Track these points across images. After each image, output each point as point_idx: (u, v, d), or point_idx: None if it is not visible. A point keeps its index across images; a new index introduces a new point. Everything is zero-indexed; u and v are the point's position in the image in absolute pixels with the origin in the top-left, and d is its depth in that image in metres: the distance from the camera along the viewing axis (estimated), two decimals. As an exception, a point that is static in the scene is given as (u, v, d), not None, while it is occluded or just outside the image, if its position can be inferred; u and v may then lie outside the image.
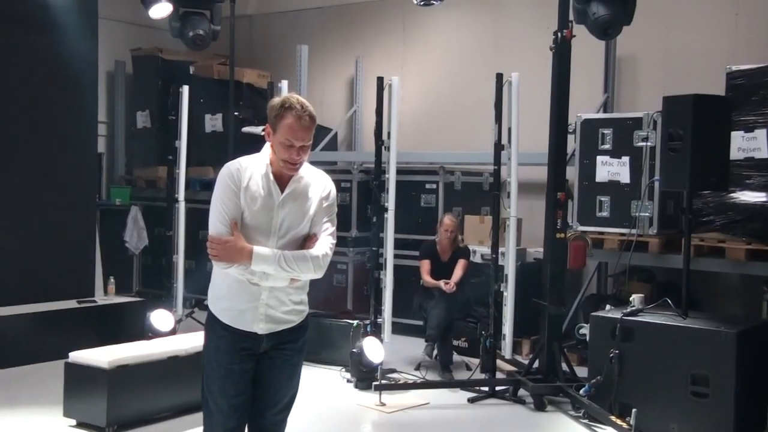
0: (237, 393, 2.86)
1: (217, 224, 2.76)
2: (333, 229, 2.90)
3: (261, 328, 2.84)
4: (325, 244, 2.85)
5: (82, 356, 4.53)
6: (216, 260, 2.74)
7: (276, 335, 2.87)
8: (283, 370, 2.92)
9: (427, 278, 5.97)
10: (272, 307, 2.83)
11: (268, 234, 2.81)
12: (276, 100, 2.82)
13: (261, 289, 2.80)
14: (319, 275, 2.84)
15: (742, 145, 5.41)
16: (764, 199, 5.34)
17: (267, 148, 2.86)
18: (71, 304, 6.40)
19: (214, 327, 2.89)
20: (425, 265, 6.03)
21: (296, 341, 2.94)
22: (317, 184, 2.91)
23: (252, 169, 2.83)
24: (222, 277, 2.85)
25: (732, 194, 5.40)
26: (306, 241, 2.85)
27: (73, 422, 4.55)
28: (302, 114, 2.76)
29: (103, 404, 4.36)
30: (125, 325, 6.35)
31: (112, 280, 6.85)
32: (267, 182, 2.82)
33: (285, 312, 2.87)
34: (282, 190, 2.83)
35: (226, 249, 2.71)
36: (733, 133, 5.11)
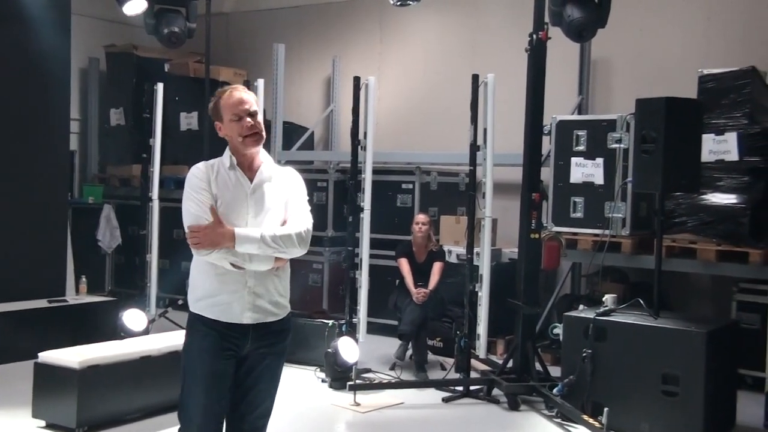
0: (219, 397, 2.83)
1: (193, 214, 2.77)
2: (308, 208, 2.93)
3: (249, 317, 2.82)
4: (305, 220, 2.87)
5: (52, 356, 4.47)
6: (198, 248, 2.73)
7: (261, 332, 2.85)
8: (263, 374, 2.90)
9: (408, 278, 5.98)
10: (259, 296, 2.82)
11: (242, 217, 2.82)
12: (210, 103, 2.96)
13: (246, 276, 2.79)
14: (303, 250, 2.84)
15: (713, 147, 5.49)
16: (734, 201, 5.42)
17: (227, 149, 2.92)
18: (42, 303, 6.30)
19: (197, 327, 2.85)
20: (404, 264, 6.05)
21: (277, 344, 2.92)
22: (283, 173, 2.96)
23: (218, 165, 2.89)
24: (204, 271, 2.84)
25: (703, 196, 5.48)
26: (284, 225, 2.87)
27: (43, 423, 4.48)
28: (235, 88, 2.90)
29: (74, 405, 4.30)
30: (97, 325, 6.27)
31: (84, 279, 6.76)
32: (234, 173, 2.86)
33: (271, 302, 2.86)
34: (251, 180, 2.87)
35: (207, 233, 2.71)
36: (705, 136, 5.18)
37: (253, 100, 2.89)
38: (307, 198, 2.97)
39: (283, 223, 2.86)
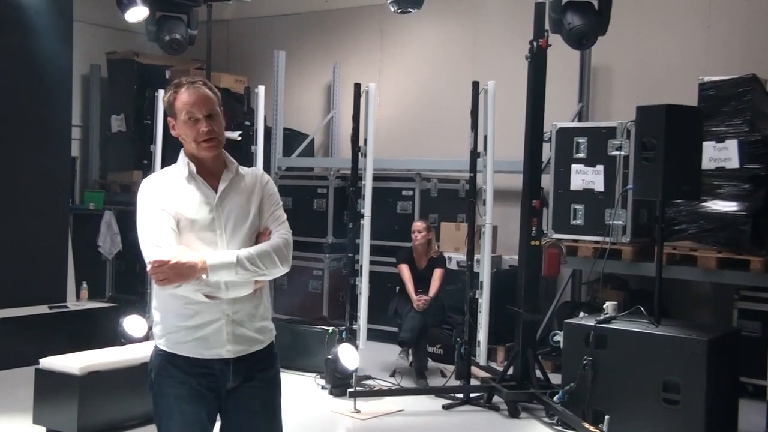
0: None
1: (151, 246, 2.36)
2: (285, 216, 2.56)
3: (229, 351, 2.41)
4: (282, 233, 2.49)
5: (53, 362, 4.47)
6: (165, 284, 2.31)
7: (245, 363, 2.45)
8: (258, 409, 2.50)
9: (409, 284, 5.98)
10: (240, 324, 2.43)
11: (214, 241, 2.42)
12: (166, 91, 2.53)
13: (224, 303, 2.40)
14: (286, 268, 2.47)
15: (714, 155, 5.50)
16: (735, 209, 5.42)
17: (182, 153, 2.53)
18: (42, 309, 6.31)
19: (169, 371, 2.42)
20: (405, 270, 6.04)
21: (267, 371, 2.52)
22: (251, 175, 2.57)
23: (173, 175, 2.49)
24: (171, 304, 2.42)
25: (704, 203, 5.48)
26: (260, 237, 2.49)
27: (43, 429, 4.48)
28: (194, 83, 2.47)
29: (74, 411, 4.30)
30: (97, 331, 6.27)
31: (84, 285, 6.77)
32: (196, 182, 2.47)
33: (255, 329, 2.48)
34: (215, 189, 2.48)
35: (174, 268, 2.29)
36: (705, 143, 5.18)
37: (214, 99, 2.49)
38: (281, 203, 2.61)
39: (259, 237, 2.48)
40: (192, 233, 2.42)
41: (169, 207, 2.42)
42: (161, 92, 6.70)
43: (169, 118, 2.53)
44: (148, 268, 2.33)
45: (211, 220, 2.44)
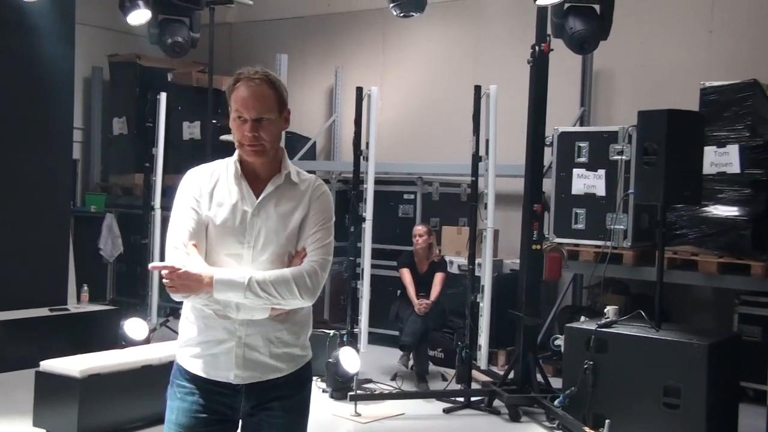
0: None
1: (170, 247, 2.17)
2: (328, 240, 2.23)
3: (237, 377, 2.18)
4: (314, 259, 2.18)
5: (54, 365, 4.46)
6: (172, 292, 2.13)
7: (259, 389, 2.20)
8: None
9: (410, 288, 5.97)
10: (253, 348, 2.18)
11: (240, 253, 2.18)
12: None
13: (235, 323, 2.17)
14: (309, 301, 2.18)
15: (715, 160, 5.50)
16: (736, 213, 5.42)
17: (237, 151, 2.29)
18: (43, 311, 6.31)
19: (179, 381, 2.24)
20: (406, 275, 6.04)
21: (288, 398, 2.23)
22: (304, 184, 2.26)
23: (221, 170, 2.24)
24: (189, 310, 2.25)
25: (705, 208, 5.48)
26: (293, 259, 2.21)
27: (44, 432, 4.49)
28: (252, 77, 2.19)
29: (75, 414, 4.29)
30: (98, 333, 6.27)
31: (85, 287, 6.76)
32: (239, 184, 2.21)
33: (273, 356, 2.20)
34: (258, 195, 2.22)
35: (181, 277, 2.09)
36: (706, 148, 5.18)
37: (272, 99, 2.22)
38: (332, 221, 2.26)
39: (294, 258, 2.20)
40: (219, 241, 2.18)
41: (202, 206, 2.19)
42: (163, 95, 6.74)
43: (229, 107, 2.26)
44: (164, 271, 2.14)
45: (242, 230, 2.19)
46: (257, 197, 2.21)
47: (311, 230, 2.22)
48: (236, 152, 2.25)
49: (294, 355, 2.24)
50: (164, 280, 2.12)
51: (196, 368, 2.21)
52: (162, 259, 2.22)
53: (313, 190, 2.26)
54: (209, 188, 2.21)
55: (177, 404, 2.22)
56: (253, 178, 2.23)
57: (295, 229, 2.21)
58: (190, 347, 2.23)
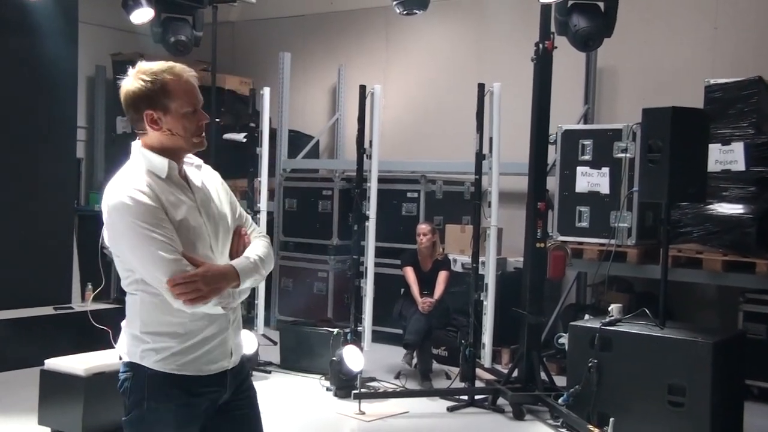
0: None
1: (168, 260, 2.01)
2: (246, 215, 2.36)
3: (232, 361, 2.21)
4: (260, 231, 2.33)
5: (58, 363, 4.47)
6: (197, 302, 2.01)
7: (237, 370, 2.26)
8: (254, 415, 2.30)
9: (414, 287, 5.97)
10: (238, 327, 2.26)
11: (206, 245, 2.15)
12: (144, 78, 2.15)
13: (229, 312, 2.18)
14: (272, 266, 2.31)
15: (720, 157, 5.49)
16: (741, 211, 5.41)
17: (138, 153, 2.16)
18: (48, 310, 6.32)
19: (169, 395, 2.10)
20: (410, 273, 6.04)
21: (248, 378, 2.32)
22: (204, 172, 2.28)
23: (146, 177, 2.11)
24: (163, 324, 2.10)
25: (709, 206, 5.47)
26: (236, 237, 2.25)
27: (48, 430, 4.48)
28: (184, 69, 2.18)
29: (79, 412, 4.30)
30: (102, 332, 6.27)
31: (89, 286, 6.76)
32: (175, 185, 2.15)
33: (240, 334, 2.32)
34: (190, 187, 2.20)
35: (206, 279, 2.01)
36: (711, 146, 5.17)
37: None
38: None
39: (236, 236, 2.24)
40: (186, 241, 2.08)
41: (166, 215, 2.08)
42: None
43: (146, 111, 2.10)
44: (169, 286, 1.99)
45: (203, 228, 2.15)
46: (193, 192, 2.19)
47: (237, 210, 2.30)
48: (149, 154, 2.13)
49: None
50: (184, 294, 1.99)
51: (193, 370, 2.12)
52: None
53: (212, 172, 2.30)
54: (156, 196, 2.07)
55: (175, 417, 2.11)
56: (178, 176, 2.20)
57: (229, 212, 2.26)
58: (185, 354, 2.11)
